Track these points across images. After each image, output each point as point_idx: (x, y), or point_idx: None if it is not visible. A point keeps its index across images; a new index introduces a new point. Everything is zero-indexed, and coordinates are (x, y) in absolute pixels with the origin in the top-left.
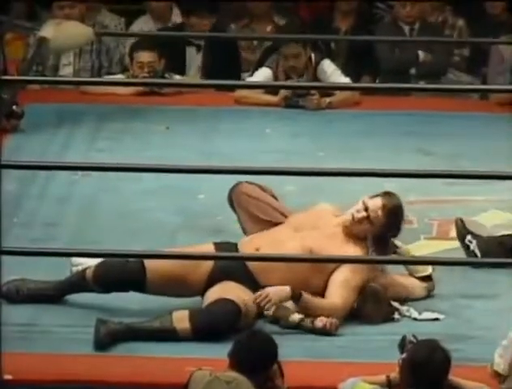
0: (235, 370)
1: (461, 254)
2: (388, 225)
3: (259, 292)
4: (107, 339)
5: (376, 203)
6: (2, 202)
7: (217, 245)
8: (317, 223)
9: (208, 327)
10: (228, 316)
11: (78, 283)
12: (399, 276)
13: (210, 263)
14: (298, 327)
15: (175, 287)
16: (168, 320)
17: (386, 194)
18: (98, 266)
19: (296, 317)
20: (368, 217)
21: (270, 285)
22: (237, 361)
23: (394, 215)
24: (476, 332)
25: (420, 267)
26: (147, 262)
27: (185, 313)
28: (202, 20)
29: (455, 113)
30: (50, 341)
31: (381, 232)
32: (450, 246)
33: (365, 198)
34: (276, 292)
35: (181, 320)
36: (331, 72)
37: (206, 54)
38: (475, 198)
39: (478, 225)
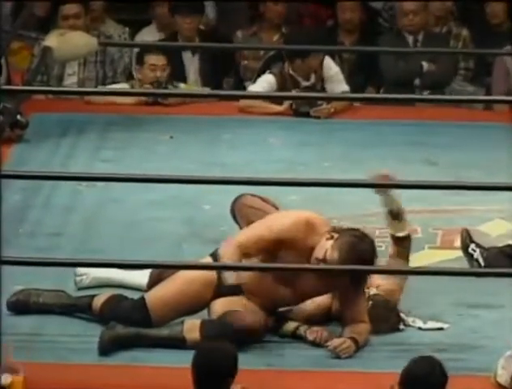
0: (194, 380)
1: (465, 264)
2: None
3: (339, 341)
4: (110, 344)
5: (333, 261)
6: (5, 212)
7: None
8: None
9: (218, 339)
10: (239, 329)
11: (84, 311)
12: (402, 281)
13: (212, 285)
14: (294, 336)
15: (180, 314)
16: (179, 329)
17: (348, 245)
18: (103, 305)
19: (291, 325)
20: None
21: (256, 303)
22: (196, 372)
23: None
24: (480, 342)
25: (398, 225)
26: (148, 302)
27: (197, 323)
28: (185, 19)
29: (460, 123)
30: (55, 351)
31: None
32: (454, 256)
33: (331, 242)
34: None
35: (191, 330)
36: (334, 74)
37: (202, 59)
38: (479, 207)
39: (483, 235)
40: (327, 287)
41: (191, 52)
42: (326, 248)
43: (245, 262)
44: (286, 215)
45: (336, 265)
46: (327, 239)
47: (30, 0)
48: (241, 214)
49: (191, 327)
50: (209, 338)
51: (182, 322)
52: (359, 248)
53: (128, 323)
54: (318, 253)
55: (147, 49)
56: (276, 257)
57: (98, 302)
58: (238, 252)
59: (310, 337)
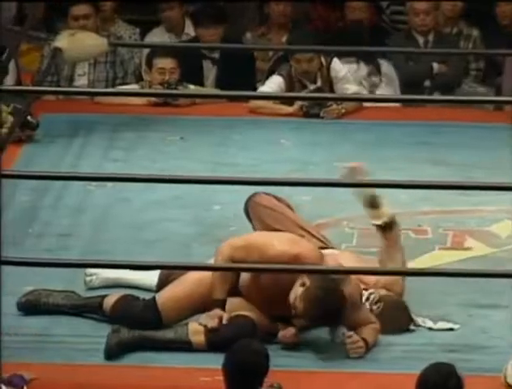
0: (227, 382)
1: (476, 265)
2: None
3: (355, 338)
4: (117, 349)
5: (300, 306)
6: (15, 212)
7: None
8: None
9: (223, 343)
10: (244, 332)
11: (95, 311)
12: None
13: None
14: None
15: (190, 314)
16: (184, 332)
17: (316, 300)
18: (114, 305)
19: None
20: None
21: (250, 297)
22: (229, 373)
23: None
24: (490, 342)
25: (375, 213)
26: (159, 303)
27: (201, 325)
28: (208, 31)
29: (469, 124)
30: (65, 351)
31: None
32: (464, 257)
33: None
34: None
35: (196, 333)
36: (343, 75)
37: (220, 67)
38: (488, 208)
39: (492, 236)
40: None
41: (211, 62)
42: (296, 295)
43: (242, 264)
44: (278, 245)
45: (302, 315)
46: (300, 285)
47: (35, 0)
48: (254, 213)
49: (196, 329)
50: (214, 342)
51: (187, 325)
52: (324, 302)
53: (139, 323)
54: (291, 298)
55: (155, 51)
56: (260, 283)
57: (109, 302)
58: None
59: (279, 335)
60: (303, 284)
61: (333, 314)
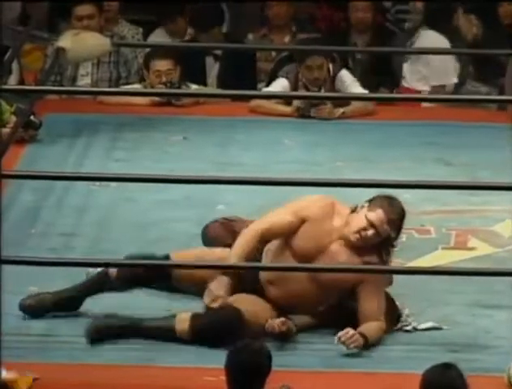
0: (229, 382)
1: (479, 264)
2: (395, 233)
3: (345, 331)
4: (96, 333)
5: (380, 217)
6: (18, 212)
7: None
8: (321, 244)
9: (207, 332)
10: (229, 323)
11: (100, 281)
12: None
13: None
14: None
15: (198, 284)
16: (171, 321)
17: (386, 202)
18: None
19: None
20: (377, 233)
21: (275, 297)
22: (231, 373)
23: (399, 222)
24: (494, 342)
25: None
26: (172, 256)
27: (188, 315)
28: (209, 35)
29: (473, 124)
30: (66, 351)
31: (388, 239)
32: (467, 256)
33: (365, 210)
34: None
35: (182, 321)
36: (349, 83)
37: (222, 64)
38: (492, 207)
39: (495, 235)
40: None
41: (213, 58)
42: (363, 215)
43: (251, 263)
44: (312, 197)
45: (386, 224)
46: (357, 212)
47: (39, 0)
48: (214, 240)
49: (182, 318)
50: (198, 330)
51: (175, 316)
52: (395, 200)
53: (149, 277)
54: (357, 225)
55: (152, 54)
56: (295, 238)
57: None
58: (257, 239)
59: (269, 329)
60: (361, 207)
61: (403, 208)
